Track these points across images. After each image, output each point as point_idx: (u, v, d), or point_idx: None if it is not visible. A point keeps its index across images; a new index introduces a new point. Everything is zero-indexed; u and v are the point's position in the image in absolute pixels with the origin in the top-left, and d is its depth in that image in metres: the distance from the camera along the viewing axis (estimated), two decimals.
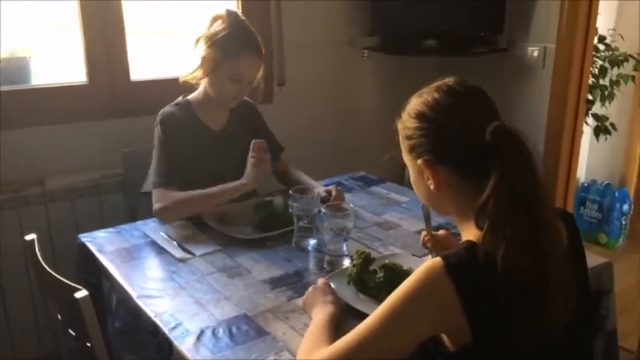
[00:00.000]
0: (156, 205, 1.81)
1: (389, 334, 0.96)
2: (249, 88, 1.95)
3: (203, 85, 1.95)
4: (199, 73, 1.91)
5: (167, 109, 1.95)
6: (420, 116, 1.05)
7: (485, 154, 0.96)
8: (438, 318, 0.95)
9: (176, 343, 1.23)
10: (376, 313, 0.98)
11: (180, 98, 1.99)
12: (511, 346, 0.94)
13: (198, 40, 1.89)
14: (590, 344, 1.17)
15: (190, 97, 1.99)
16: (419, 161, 1.06)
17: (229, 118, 2.02)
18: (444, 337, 1.00)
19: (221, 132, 1.99)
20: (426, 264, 0.96)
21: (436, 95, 1.04)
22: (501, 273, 0.91)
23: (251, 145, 1.82)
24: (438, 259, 0.95)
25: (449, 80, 1.07)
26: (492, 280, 0.92)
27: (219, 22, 1.88)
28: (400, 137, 1.11)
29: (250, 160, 1.81)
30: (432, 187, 1.06)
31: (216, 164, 1.94)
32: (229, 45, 1.84)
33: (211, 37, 1.86)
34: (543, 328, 0.94)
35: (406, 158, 1.12)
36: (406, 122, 1.08)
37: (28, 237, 1.51)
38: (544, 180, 1.01)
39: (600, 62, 3.16)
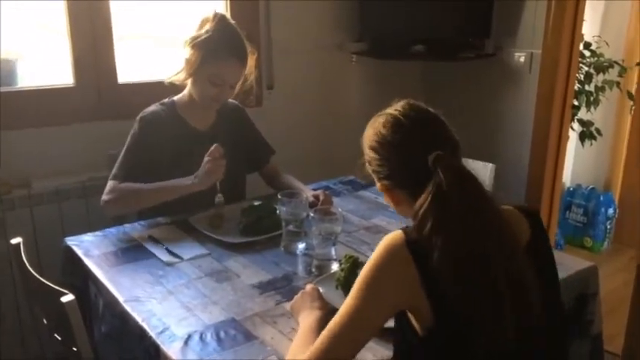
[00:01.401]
0: (103, 197, 1.84)
1: (362, 310, 1.02)
2: (231, 92, 1.94)
3: (188, 86, 1.96)
4: (183, 74, 1.92)
5: (151, 108, 1.97)
6: (372, 149, 1.16)
7: (429, 177, 1.05)
8: (402, 289, 1.02)
9: (163, 347, 1.22)
10: (351, 291, 1.05)
11: (166, 99, 1.99)
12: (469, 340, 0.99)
13: (185, 42, 1.89)
14: (563, 345, 1.19)
15: (176, 97, 1.99)
16: (378, 184, 1.19)
17: (216, 120, 2.02)
18: (413, 319, 1.04)
19: (207, 131, 1.99)
20: (388, 237, 1.05)
21: (383, 130, 1.13)
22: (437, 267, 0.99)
23: (210, 149, 1.80)
24: (398, 231, 1.04)
25: (396, 108, 1.15)
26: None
27: (207, 24, 1.88)
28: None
29: (205, 166, 1.79)
30: (392, 204, 1.20)
31: (197, 165, 1.91)
32: (210, 48, 1.85)
33: (194, 39, 1.87)
34: (494, 327, 0.99)
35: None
36: (365, 150, 1.19)
37: (14, 240, 1.50)
38: (490, 195, 1.08)
39: (586, 68, 3.20)
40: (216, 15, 1.89)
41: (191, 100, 1.96)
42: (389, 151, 1.13)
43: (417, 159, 1.06)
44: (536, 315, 1.02)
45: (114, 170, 1.89)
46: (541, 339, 1.08)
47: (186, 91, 1.98)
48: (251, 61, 1.96)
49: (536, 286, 1.03)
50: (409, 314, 1.05)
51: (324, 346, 1.02)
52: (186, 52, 1.89)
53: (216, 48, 1.84)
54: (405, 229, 1.04)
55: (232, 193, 2.03)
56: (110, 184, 1.86)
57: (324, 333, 1.04)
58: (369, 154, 1.17)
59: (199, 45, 1.86)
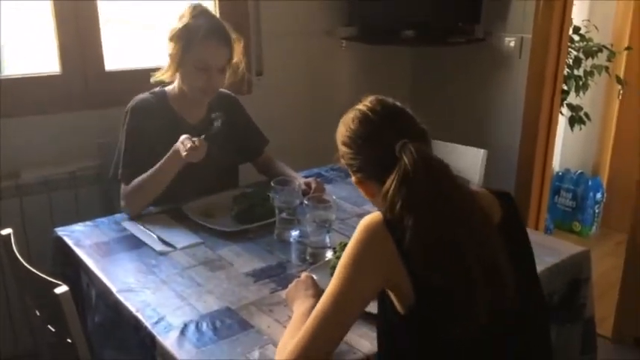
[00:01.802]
0: (121, 203, 1.83)
1: (346, 291, 1.05)
2: (220, 78, 1.91)
3: (177, 80, 1.93)
4: (169, 71, 1.90)
5: (141, 96, 1.94)
6: (344, 144, 1.21)
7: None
8: (383, 266, 1.05)
9: (159, 338, 1.22)
10: (334, 274, 1.08)
11: (157, 88, 1.96)
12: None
13: (167, 39, 1.88)
14: (542, 327, 1.22)
15: (167, 88, 1.96)
16: (353, 177, 1.24)
17: (207, 113, 1.98)
18: (394, 299, 1.07)
19: (198, 125, 1.95)
20: (366, 218, 1.09)
21: (352, 125, 1.19)
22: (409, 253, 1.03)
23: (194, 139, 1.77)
24: (376, 213, 1.08)
25: (365, 104, 1.21)
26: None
27: (184, 17, 1.86)
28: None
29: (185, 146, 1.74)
30: (366, 196, 1.24)
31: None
32: (188, 35, 1.83)
33: (172, 32, 1.85)
34: (465, 311, 1.02)
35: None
36: (338, 145, 1.24)
37: (4, 231, 1.47)
38: (459, 181, 1.13)
39: (575, 53, 3.20)
40: (190, 6, 1.88)
41: (182, 93, 1.93)
42: (359, 145, 1.17)
43: (386, 150, 1.11)
44: (509, 298, 1.05)
45: (120, 169, 1.86)
46: (516, 322, 1.10)
47: (176, 84, 1.95)
48: (238, 48, 1.93)
49: (510, 268, 1.06)
50: (391, 294, 1.08)
51: (313, 329, 1.05)
52: (169, 48, 1.87)
53: (195, 33, 1.82)
54: (381, 210, 1.09)
55: (225, 183, 2.02)
56: (122, 189, 1.85)
57: (312, 316, 1.07)
58: (341, 148, 1.22)
59: (178, 35, 1.84)
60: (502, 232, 1.11)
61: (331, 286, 1.07)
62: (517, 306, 1.07)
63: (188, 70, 1.87)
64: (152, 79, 1.93)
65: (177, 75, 1.91)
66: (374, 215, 1.08)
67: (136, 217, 1.79)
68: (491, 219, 1.13)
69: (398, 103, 1.22)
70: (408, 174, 1.06)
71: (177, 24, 1.86)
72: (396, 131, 1.14)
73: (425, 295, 1.03)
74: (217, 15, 2.50)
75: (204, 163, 1.92)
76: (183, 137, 1.76)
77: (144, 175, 1.80)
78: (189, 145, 1.71)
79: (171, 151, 1.77)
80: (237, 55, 1.94)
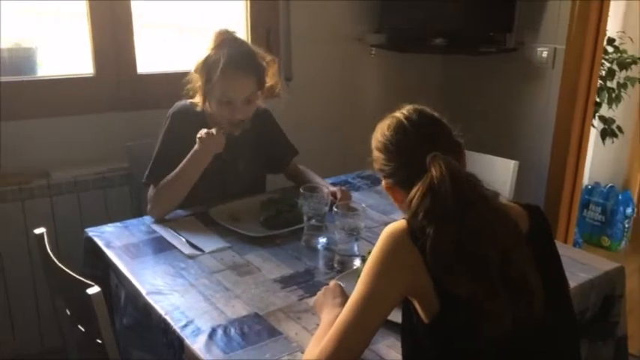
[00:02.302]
0: (148, 206, 1.83)
1: (370, 297, 1.06)
2: (246, 108, 1.86)
3: None
4: (200, 101, 1.88)
5: (183, 103, 1.93)
6: (378, 149, 1.22)
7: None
8: (407, 273, 1.05)
9: (188, 341, 1.21)
10: (358, 282, 1.09)
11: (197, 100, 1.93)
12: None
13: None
14: (572, 341, 1.20)
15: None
16: (383, 182, 1.24)
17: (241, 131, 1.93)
18: (418, 307, 1.07)
19: (230, 141, 1.88)
20: (389, 226, 1.09)
21: (386, 132, 1.20)
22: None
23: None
24: (401, 220, 1.09)
25: (402, 112, 1.22)
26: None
27: (208, 47, 1.84)
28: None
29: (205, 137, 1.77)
30: (394, 201, 1.25)
31: (219, 168, 1.89)
32: (208, 68, 1.80)
33: (196, 64, 1.84)
34: (489, 322, 1.00)
35: None
36: (372, 149, 1.25)
37: (37, 231, 1.49)
38: (487, 194, 1.11)
39: (608, 64, 3.15)
40: (216, 33, 1.85)
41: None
42: (391, 152, 1.19)
43: (417, 160, 1.11)
44: (536, 311, 1.03)
45: (147, 171, 1.86)
46: (544, 335, 1.08)
47: None
48: (272, 70, 1.91)
49: (537, 281, 1.04)
50: (415, 302, 1.08)
51: (337, 336, 1.05)
52: (194, 79, 1.86)
53: (215, 67, 1.78)
54: (406, 218, 1.09)
55: (253, 192, 2.01)
56: (149, 192, 1.85)
57: (336, 323, 1.07)
58: (375, 153, 1.24)
59: (200, 68, 1.83)
60: (529, 245, 1.09)
61: (355, 294, 1.08)
62: (544, 319, 1.05)
63: (212, 103, 1.85)
64: (189, 101, 1.91)
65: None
66: (398, 223, 1.09)
67: (160, 221, 1.79)
68: (520, 232, 1.11)
69: (436, 114, 1.23)
70: (432, 186, 1.06)
71: (201, 56, 1.84)
72: (429, 142, 1.15)
73: (449, 304, 1.02)
74: (248, 29, 2.53)
75: (233, 172, 1.92)
76: (202, 131, 1.77)
77: (168, 177, 1.81)
78: (205, 133, 1.74)
79: (193, 148, 1.77)
80: (272, 79, 1.92)
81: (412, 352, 1.13)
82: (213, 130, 1.77)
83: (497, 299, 1.00)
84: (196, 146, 1.78)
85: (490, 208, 1.09)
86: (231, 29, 1.89)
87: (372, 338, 1.08)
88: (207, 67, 1.81)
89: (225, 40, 1.84)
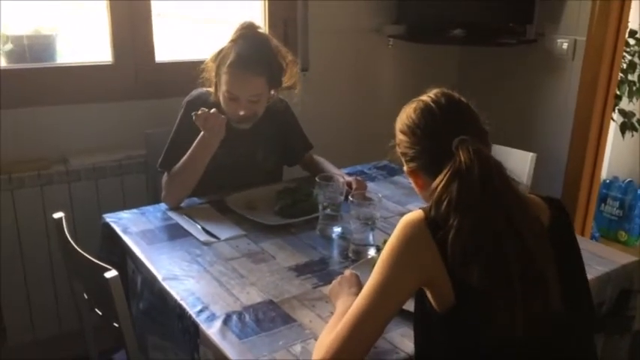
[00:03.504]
0: (162, 193, 1.84)
1: (385, 287, 1.05)
2: (253, 107, 1.85)
3: None
4: (213, 91, 1.89)
5: (199, 90, 1.94)
6: (403, 132, 1.20)
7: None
8: (423, 264, 1.04)
9: (203, 326, 1.23)
10: (373, 271, 1.08)
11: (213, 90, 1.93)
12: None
13: None
14: (588, 335, 1.18)
15: None
16: (406, 167, 1.23)
17: (257, 121, 1.93)
18: (432, 297, 1.06)
19: (246, 131, 1.91)
20: (407, 216, 1.08)
21: (413, 114, 1.18)
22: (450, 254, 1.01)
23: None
24: (418, 210, 1.07)
25: (429, 95, 1.19)
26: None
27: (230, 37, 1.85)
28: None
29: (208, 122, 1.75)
30: (416, 187, 1.23)
31: (233, 158, 1.90)
32: (220, 60, 1.82)
33: (212, 56, 1.85)
34: (503, 313, 0.99)
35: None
36: (396, 132, 1.23)
37: (56, 215, 1.51)
38: (512, 183, 1.10)
39: (629, 57, 3.10)
40: (240, 25, 1.85)
41: None
42: (417, 135, 1.17)
43: (443, 144, 1.09)
44: (552, 304, 1.02)
45: (161, 157, 1.88)
46: (560, 328, 1.06)
47: None
48: (291, 71, 1.91)
49: (555, 275, 1.03)
50: (429, 293, 1.07)
51: (350, 325, 1.04)
52: (210, 69, 1.87)
53: (224, 61, 1.79)
54: (423, 208, 1.07)
55: (271, 182, 2.01)
56: (163, 179, 1.86)
57: (350, 312, 1.06)
58: (399, 136, 1.22)
59: (214, 58, 1.84)
60: (550, 238, 1.08)
61: (370, 283, 1.07)
62: (561, 316, 1.04)
63: (221, 96, 1.85)
64: (205, 89, 1.92)
65: None
66: (415, 213, 1.07)
67: (175, 208, 1.80)
68: (542, 226, 1.09)
69: (463, 99, 1.19)
70: (460, 171, 1.04)
71: (219, 47, 1.84)
72: (456, 127, 1.12)
73: (464, 296, 1.01)
74: (265, 20, 2.52)
75: (252, 163, 1.93)
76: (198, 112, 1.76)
77: (179, 164, 1.81)
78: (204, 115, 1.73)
79: (198, 139, 1.77)
80: (291, 79, 1.91)
81: (425, 342, 1.13)
82: (212, 110, 1.74)
83: (513, 294, 0.99)
84: (200, 137, 1.77)
85: (515, 200, 1.07)
86: (256, 23, 1.89)
87: (385, 327, 1.08)
88: (219, 59, 1.82)
89: (244, 35, 1.84)
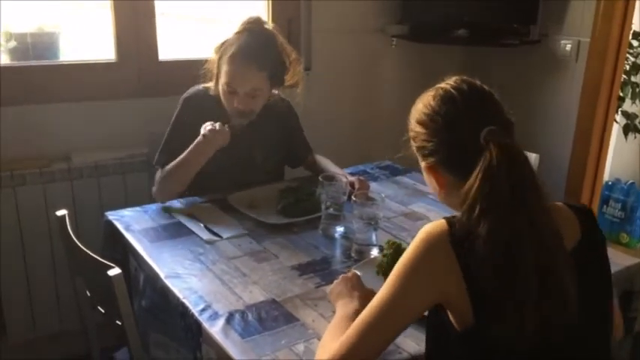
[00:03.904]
0: (153, 188, 1.84)
1: (397, 301, 0.99)
2: (252, 102, 1.84)
3: None
4: (213, 84, 1.88)
5: (196, 88, 1.94)
6: (420, 122, 1.10)
7: (478, 156, 0.99)
8: (440, 283, 0.97)
9: (205, 325, 1.22)
10: (387, 281, 1.02)
11: (211, 85, 1.93)
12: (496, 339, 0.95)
13: None
14: (604, 349, 1.11)
15: None
16: (423, 163, 1.13)
17: (256, 118, 1.92)
18: (449, 313, 1.01)
19: (244, 128, 1.90)
20: (428, 227, 1.00)
21: (432, 102, 1.08)
22: (478, 259, 0.94)
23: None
24: (441, 221, 0.99)
25: (448, 82, 1.10)
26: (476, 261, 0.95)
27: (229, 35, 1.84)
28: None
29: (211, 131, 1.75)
30: (437, 187, 1.13)
31: (233, 158, 1.89)
32: (222, 52, 1.81)
33: (215, 47, 1.84)
34: (516, 324, 0.93)
35: (417, 156, 1.16)
36: (411, 125, 1.14)
37: (59, 212, 1.51)
38: (540, 183, 1.00)
39: (633, 59, 3.10)
40: (246, 20, 1.84)
41: None
42: (438, 124, 1.06)
43: (468, 135, 1.00)
44: (569, 315, 0.96)
45: (157, 155, 1.88)
46: (574, 339, 1.01)
47: None
48: (294, 69, 1.89)
49: (574, 287, 0.96)
50: (446, 309, 1.01)
51: (357, 335, 1.00)
52: (213, 60, 1.86)
53: (226, 52, 1.78)
54: (448, 219, 0.99)
55: (271, 182, 2.00)
56: (157, 174, 1.86)
57: (358, 321, 1.02)
58: (415, 128, 1.11)
59: (217, 49, 1.83)
60: (580, 251, 1.02)
61: (382, 294, 1.01)
62: (577, 334, 0.99)
63: (220, 87, 1.84)
64: (202, 85, 1.92)
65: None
66: (437, 225, 0.99)
67: (163, 204, 1.80)
68: (566, 234, 1.01)
69: (485, 87, 1.10)
70: (492, 168, 0.95)
71: (223, 38, 1.83)
72: (481, 116, 1.03)
73: (484, 314, 0.95)
74: (269, 19, 2.53)
75: (250, 163, 1.92)
76: (207, 124, 1.75)
77: (173, 162, 1.81)
78: (209, 128, 1.73)
79: (197, 139, 1.76)
80: (293, 78, 1.90)
81: (439, 354, 1.07)
82: (217, 125, 1.74)
83: (534, 312, 0.93)
84: (200, 138, 1.76)
85: (541, 206, 0.98)
86: (263, 19, 1.88)
87: (392, 341, 1.04)
88: (221, 50, 1.81)
89: (250, 29, 1.83)
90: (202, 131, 1.75)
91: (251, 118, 1.89)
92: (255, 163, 1.98)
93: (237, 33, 1.82)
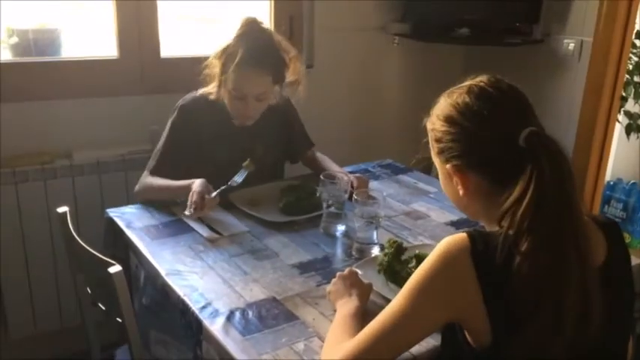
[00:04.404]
0: (136, 186, 1.84)
1: (409, 316, 0.95)
2: (259, 105, 1.84)
3: None
4: (215, 89, 1.86)
5: (192, 95, 1.92)
6: (449, 120, 1.02)
7: (518, 159, 0.93)
8: (457, 302, 0.93)
9: (206, 323, 1.22)
10: (401, 292, 0.97)
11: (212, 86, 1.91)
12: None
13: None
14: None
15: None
16: (447, 166, 1.04)
17: (258, 118, 1.93)
18: (467, 334, 0.98)
19: (246, 128, 1.91)
20: (449, 240, 0.94)
21: (466, 98, 1.00)
22: (515, 279, 0.89)
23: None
24: (462, 236, 0.93)
25: (481, 80, 1.03)
26: (509, 280, 0.90)
27: (233, 34, 1.83)
28: (429, 138, 1.09)
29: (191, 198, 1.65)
30: (460, 191, 1.04)
31: (232, 153, 1.88)
32: (226, 59, 1.79)
33: (216, 52, 1.82)
34: (548, 342, 0.90)
35: (435, 160, 1.10)
36: (435, 124, 1.05)
37: (60, 209, 1.51)
38: (577, 187, 0.94)
39: (636, 59, 3.08)
40: (243, 22, 1.83)
41: None
42: (472, 120, 0.98)
43: (506, 133, 0.93)
44: (593, 335, 0.93)
45: (152, 162, 1.88)
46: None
47: None
48: (294, 67, 1.87)
49: (600, 307, 0.92)
50: (463, 327, 0.98)
51: (364, 345, 0.96)
52: (213, 65, 1.84)
53: (232, 59, 1.77)
54: (470, 233, 0.93)
55: (272, 178, 2.01)
56: (143, 175, 1.86)
57: (366, 331, 0.98)
58: (441, 127, 1.02)
59: (219, 56, 1.81)
60: (606, 270, 0.98)
61: (395, 306, 0.97)
62: (599, 343, 0.96)
63: (227, 94, 1.84)
64: (199, 91, 1.90)
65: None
66: (458, 239, 0.93)
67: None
68: (594, 252, 0.97)
69: (520, 88, 1.04)
70: (543, 176, 0.88)
71: (223, 43, 1.81)
72: (520, 116, 0.96)
73: (504, 336, 0.91)
74: (272, 16, 2.52)
75: (252, 158, 1.91)
76: (197, 184, 1.66)
77: (160, 182, 1.80)
78: (194, 206, 1.61)
79: (186, 184, 1.69)
80: (294, 75, 1.89)
81: None
82: (206, 198, 1.64)
83: (560, 332, 0.89)
84: (186, 188, 1.68)
85: (581, 220, 0.92)
86: (259, 19, 1.87)
87: (401, 354, 1.00)
88: (225, 56, 1.80)
89: (249, 30, 1.82)
90: (190, 193, 1.66)
91: (255, 119, 1.89)
92: (255, 157, 1.97)
93: (237, 37, 1.81)
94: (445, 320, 0.98)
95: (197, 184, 1.67)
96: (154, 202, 1.80)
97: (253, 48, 1.78)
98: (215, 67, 1.84)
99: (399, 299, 0.97)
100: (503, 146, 0.94)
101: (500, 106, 0.98)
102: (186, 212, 1.64)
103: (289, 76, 1.89)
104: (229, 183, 1.74)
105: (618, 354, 1.07)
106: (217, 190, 1.68)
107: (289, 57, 1.87)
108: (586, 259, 0.92)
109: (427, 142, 1.09)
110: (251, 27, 1.83)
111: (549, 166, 0.89)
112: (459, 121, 1.00)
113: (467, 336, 0.97)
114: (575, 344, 0.92)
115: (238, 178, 1.76)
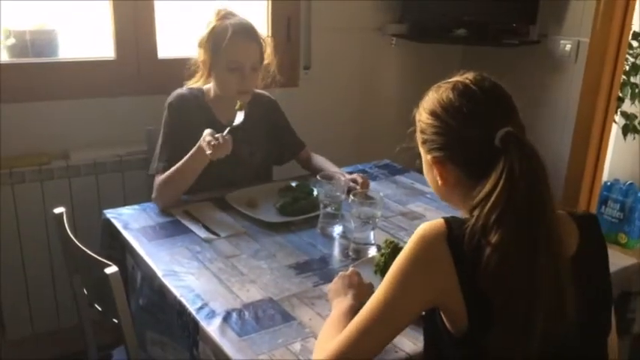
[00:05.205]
0: (153, 194, 1.82)
1: (392, 305, 0.98)
2: (254, 76, 1.88)
3: (212, 83, 1.94)
4: (202, 77, 1.91)
5: (179, 91, 1.95)
6: (432, 114, 1.06)
7: (493, 157, 0.97)
8: (436, 286, 0.96)
9: (202, 323, 1.22)
10: (382, 283, 1.00)
11: (195, 85, 1.96)
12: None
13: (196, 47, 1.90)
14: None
15: (205, 87, 1.96)
16: (428, 156, 1.08)
17: (245, 113, 1.90)
18: (444, 316, 1.00)
19: (231, 125, 1.89)
20: (426, 226, 0.97)
21: (450, 95, 1.03)
22: (485, 271, 0.91)
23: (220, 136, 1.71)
24: (439, 222, 0.96)
25: (467, 77, 1.06)
26: (479, 271, 0.92)
27: (209, 23, 1.87)
28: (417, 128, 1.13)
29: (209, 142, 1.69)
30: (439, 182, 1.09)
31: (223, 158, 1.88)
32: (216, 38, 1.83)
33: (200, 38, 1.87)
34: (521, 335, 0.92)
35: (420, 149, 1.14)
36: (422, 116, 1.09)
37: (57, 210, 1.51)
38: (552, 190, 0.97)
39: (632, 60, 3.10)
40: (216, 10, 1.88)
41: (217, 95, 1.93)
42: (454, 117, 1.02)
43: (484, 132, 0.97)
44: (566, 325, 0.95)
45: (155, 163, 1.87)
46: (571, 351, 0.99)
47: (211, 85, 1.95)
48: (269, 49, 1.93)
49: (572, 299, 0.94)
50: (441, 312, 1.00)
51: (351, 338, 0.99)
52: (198, 55, 1.89)
53: (223, 34, 1.81)
54: (447, 220, 0.97)
55: (258, 180, 2.00)
56: (155, 181, 1.84)
57: (352, 324, 1.01)
58: (426, 120, 1.07)
59: (206, 40, 1.85)
60: (576, 261, 0.99)
61: (379, 295, 1.00)
62: (572, 345, 0.98)
63: (220, 73, 1.86)
64: (185, 86, 1.94)
65: (212, 80, 1.92)
66: (435, 224, 0.96)
67: (165, 210, 1.77)
68: (567, 245, 1.00)
69: (504, 87, 1.06)
70: (513, 174, 0.92)
71: (204, 31, 1.87)
72: (501, 115, 0.99)
73: (479, 320, 0.94)
74: (269, 17, 2.54)
75: (237, 160, 1.91)
76: (206, 133, 1.72)
77: (172, 169, 1.79)
78: (213, 143, 1.67)
79: (195, 147, 1.73)
80: (268, 57, 1.93)
81: (436, 357, 1.06)
82: (219, 137, 1.69)
83: (534, 318, 0.91)
84: (198, 150, 1.72)
85: (553, 215, 0.95)
86: (229, 8, 1.92)
87: (389, 342, 1.02)
88: (213, 37, 1.84)
89: (229, 14, 1.88)
90: (202, 142, 1.71)
91: (251, 95, 1.92)
92: (242, 159, 1.97)
93: (220, 20, 1.86)
94: (426, 304, 1.00)
95: (205, 133, 1.73)
96: (178, 196, 1.81)
97: (240, 24, 1.85)
98: (201, 55, 1.88)
99: (380, 289, 1.00)
100: (481, 144, 0.98)
101: (481, 105, 1.01)
102: (208, 152, 1.67)
103: (266, 58, 1.93)
104: (234, 124, 1.78)
105: (596, 349, 1.07)
106: (226, 130, 1.72)
107: (263, 39, 1.92)
108: (559, 252, 0.95)
109: (414, 132, 1.13)
110: (229, 12, 1.89)
111: (520, 164, 0.93)
112: (442, 117, 1.04)
113: (444, 321, 0.99)
114: (549, 338, 0.93)
115: (238, 120, 1.79)
